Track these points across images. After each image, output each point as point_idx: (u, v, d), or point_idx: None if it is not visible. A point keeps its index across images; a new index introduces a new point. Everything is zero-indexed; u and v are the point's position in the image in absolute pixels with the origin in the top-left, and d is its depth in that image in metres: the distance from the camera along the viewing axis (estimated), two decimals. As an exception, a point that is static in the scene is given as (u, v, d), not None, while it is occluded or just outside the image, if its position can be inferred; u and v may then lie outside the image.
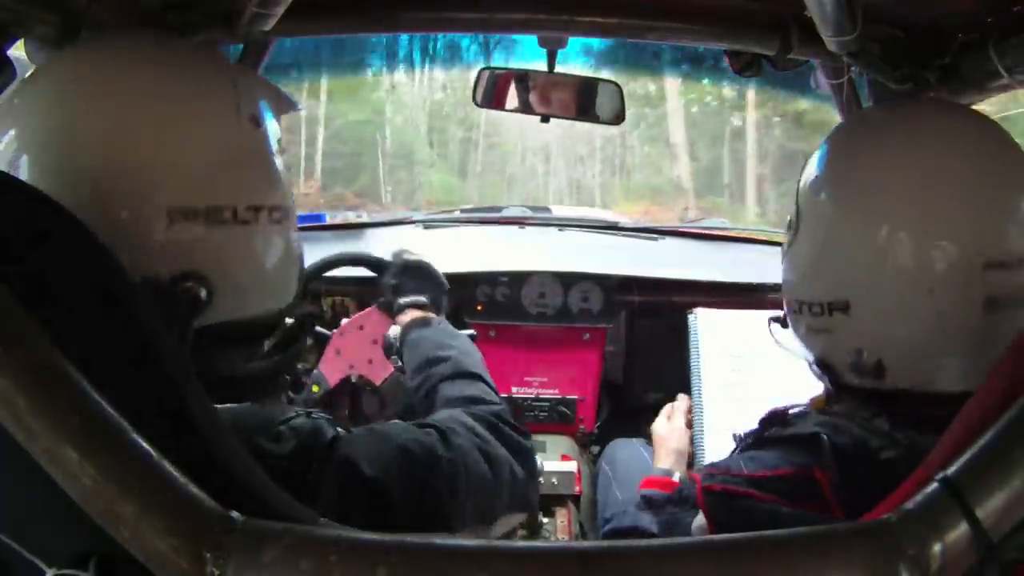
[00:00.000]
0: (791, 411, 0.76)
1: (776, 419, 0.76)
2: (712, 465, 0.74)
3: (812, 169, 0.75)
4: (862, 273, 0.67)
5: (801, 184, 0.75)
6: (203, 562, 0.31)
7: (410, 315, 0.98)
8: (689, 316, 1.21)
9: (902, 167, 0.67)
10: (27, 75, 0.63)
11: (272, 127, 0.65)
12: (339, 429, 0.61)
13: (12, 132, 0.57)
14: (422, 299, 1.01)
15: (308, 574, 0.31)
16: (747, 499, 0.66)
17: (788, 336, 0.79)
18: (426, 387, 0.85)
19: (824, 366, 0.73)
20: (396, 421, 0.73)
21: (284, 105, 0.69)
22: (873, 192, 0.68)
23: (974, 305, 0.64)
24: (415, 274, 1.04)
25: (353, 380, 1.09)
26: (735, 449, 0.79)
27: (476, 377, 0.84)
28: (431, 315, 0.99)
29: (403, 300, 1.01)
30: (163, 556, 0.32)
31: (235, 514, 0.33)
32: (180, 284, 0.56)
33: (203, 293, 0.57)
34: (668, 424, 1.13)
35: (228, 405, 0.58)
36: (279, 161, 0.65)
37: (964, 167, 0.66)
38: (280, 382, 0.73)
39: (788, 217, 0.77)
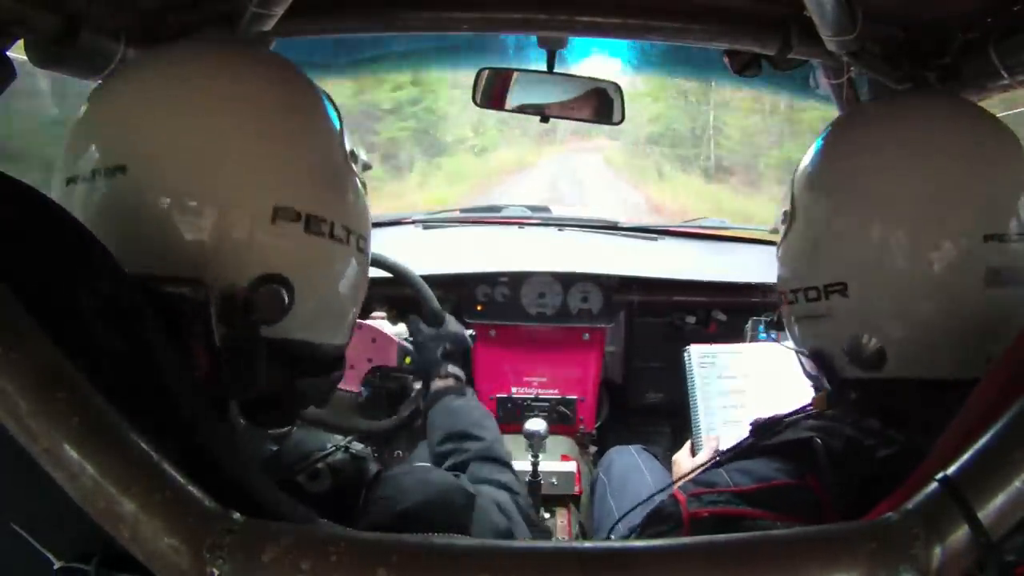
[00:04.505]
0: (786, 418, 0.74)
1: (770, 427, 0.74)
2: (696, 481, 0.70)
3: (808, 162, 0.75)
4: (859, 253, 0.66)
5: (796, 178, 0.75)
6: (203, 562, 0.31)
7: (447, 382, 1.08)
8: (684, 354, 1.20)
9: (897, 146, 0.68)
10: (117, 77, 0.63)
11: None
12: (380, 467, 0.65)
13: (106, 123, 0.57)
14: (461, 373, 1.11)
15: (308, 574, 0.31)
16: (739, 521, 0.63)
17: (783, 337, 0.78)
18: (456, 458, 0.91)
19: (821, 359, 0.71)
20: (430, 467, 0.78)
21: (362, 165, 0.69)
22: (869, 173, 0.68)
23: (975, 279, 0.63)
24: (460, 350, 1.15)
25: (376, 377, 1.15)
26: (723, 459, 0.76)
27: (507, 466, 0.91)
28: (466, 388, 1.09)
29: (450, 368, 1.10)
30: (163, 556, 0.32)
31: (235, 514, 0.33)
32: (262, 286, 0.55)
33: (285, 297, 0.56)
34: (691, 460, 1.07)
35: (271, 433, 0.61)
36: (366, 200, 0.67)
37: (959, 142, 0.67)
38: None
39: (782, 211, 0.77)
